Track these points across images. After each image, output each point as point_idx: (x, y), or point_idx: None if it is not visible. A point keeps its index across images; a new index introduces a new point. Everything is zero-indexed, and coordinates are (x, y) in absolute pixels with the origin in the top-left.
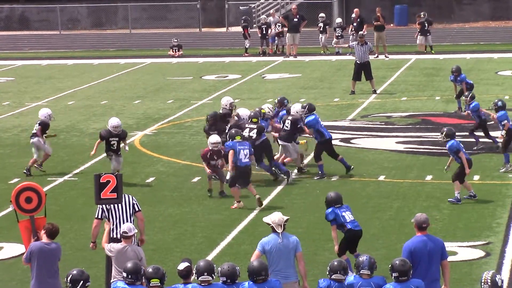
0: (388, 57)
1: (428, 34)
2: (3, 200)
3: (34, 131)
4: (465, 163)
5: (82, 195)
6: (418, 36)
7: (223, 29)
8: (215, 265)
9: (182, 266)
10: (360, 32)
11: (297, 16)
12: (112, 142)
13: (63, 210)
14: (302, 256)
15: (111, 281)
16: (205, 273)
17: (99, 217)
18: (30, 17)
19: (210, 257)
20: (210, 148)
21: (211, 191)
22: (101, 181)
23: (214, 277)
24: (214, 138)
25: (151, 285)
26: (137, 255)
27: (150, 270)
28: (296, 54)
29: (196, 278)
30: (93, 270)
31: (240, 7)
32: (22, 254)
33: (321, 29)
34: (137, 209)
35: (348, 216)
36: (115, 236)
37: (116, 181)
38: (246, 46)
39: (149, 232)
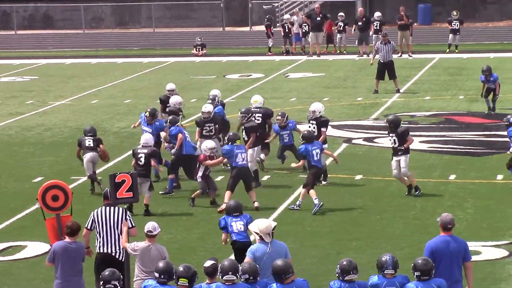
0: (411, 56)
1: (457, 33)
2: (28, 199)
3: None
4: None
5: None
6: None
7: (247, 28)
8: (239, 265)
9: (208, 263)
10: (384, 31)
11: (320, 15)
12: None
13: (87, 209)
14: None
15: (134, 279)
16: (230, 273)
17: (89, 227)
18: (54, 16)
19: (233, 256)
20: (208, 154)
21: (193, 200)
22: (116, 181)
23: (238, 276)
24: (211, 143)
25: (179, 283)
26: (161, 254)
27: (181, 269)
28: (320, 53)
29: (220, 277)
30: None
31: (264, 6)
32: (47, 252)
33: (340, 29)
34: (130, 226)
35: (237, 226)
36: (104, 251)
37: (131, 180)
38: (270, 45)
39: (172, 230)
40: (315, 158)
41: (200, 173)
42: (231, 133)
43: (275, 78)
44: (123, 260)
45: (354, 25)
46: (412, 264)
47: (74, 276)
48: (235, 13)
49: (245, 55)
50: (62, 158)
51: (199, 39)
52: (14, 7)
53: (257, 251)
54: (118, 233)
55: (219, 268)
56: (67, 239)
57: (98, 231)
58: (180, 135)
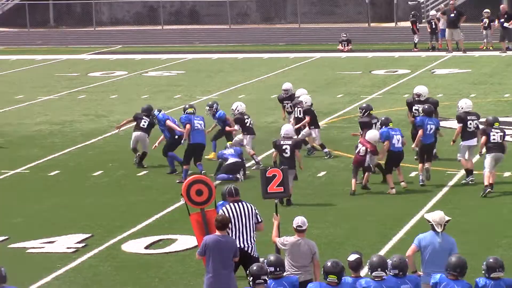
0: None
1: None
2: (177, 193)
3: None
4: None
5: (254, 188)
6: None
7: (392, 24)
8: (388, 260)
9: (352, 257)
10: None
11: (454, 12)
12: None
13: None
14: None
15: (284, 274)
16: (379, 269)
17: None
18: (200, 11)
19: (382, 252)
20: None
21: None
22: (267, 176)
23: (387, 272)
24: (377, 136)
25: (328, 280)
26: (311, 249)
27: (329, 264)
28: (465, 49)
29: (369, 273)
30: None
31: (409, 2)
32: (196, 246)
33: (485, 25)
34: (259, 220)
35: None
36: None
37: (282, 175)
38: (415, 41)
39: (321, 225)
40: (427, 132)
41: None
42: (383, 118)
43: (421, 74)
44: (254, 255)
45: (496, 21)
46: None
47: (225, 270)
48: (380, 9)
49: (390, 51)
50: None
51: (345, 35)
52: (161, 2)
53: (423, 239)
54: (249, 228)
55: (367, 264)
56: (217, 232)
57: (229, 227)
58: (187, 125)
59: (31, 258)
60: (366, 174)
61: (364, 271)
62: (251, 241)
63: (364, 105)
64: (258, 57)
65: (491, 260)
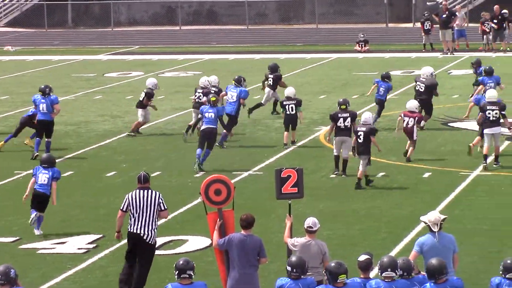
0: None
1: None
2: (189, 193)
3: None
4: None
5: (267, 189)
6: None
7: (410, 25)
8: (398, 261)
9: (362, 257)
10: None
11: (446, 12)
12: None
13: (247, 204)
14: (457, 257)
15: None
16: (389, 269)
17: (124, 209)
18: (218, 11)
19: (393, 253)
20: None
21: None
22: (282, 176)
23: (397, 273)
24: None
25: (338, 281)
26: (321, 249)
27: (333, 265)
28: (453, 50)
29: (379, 274)
30: (276, 264)
31: (428, 3)
32: (206, 247)
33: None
34: (162, 208)
35: (42, 178)
36: (132, 231)
37: (297, 176)
38: (429, 42)
39: (333, 227)
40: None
41: None
42: (488, 66)
43: (438, 75)
44: (151, 243)
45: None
46: None
47: (250, 269)
48: (399, 9)
49: (408, 52)
50: (224, 153)
51: (362, 35)
52: (179, 3)
53: (424, 244)
54: (150, 216)
55: (377, 264)
56: (242, 231)
57: (132, 213)
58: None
59: (42, 259)
60: (411, 148)
61: (373, 273)
62: (149, 229)
63: (341, 100)
64: (276, 58)
65: (508, 261)
